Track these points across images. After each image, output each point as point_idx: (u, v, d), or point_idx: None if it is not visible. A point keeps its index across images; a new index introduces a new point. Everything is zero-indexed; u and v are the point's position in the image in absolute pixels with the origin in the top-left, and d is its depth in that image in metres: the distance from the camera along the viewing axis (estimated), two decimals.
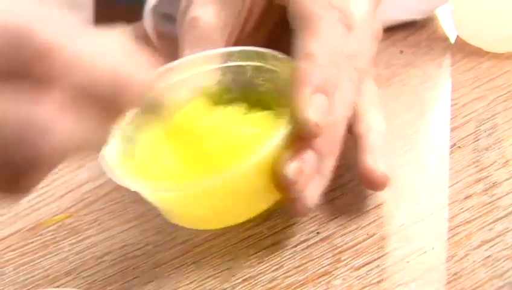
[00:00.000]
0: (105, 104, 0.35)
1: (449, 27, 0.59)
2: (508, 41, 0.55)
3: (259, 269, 0.42)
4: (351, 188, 0.46)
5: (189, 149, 0.43)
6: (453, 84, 0.53)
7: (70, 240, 0.46)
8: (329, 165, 0.44)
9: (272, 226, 0.44)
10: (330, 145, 0.43)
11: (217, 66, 0.45)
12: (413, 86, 0.54)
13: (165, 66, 0.44)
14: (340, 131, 0.44)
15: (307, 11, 0.44)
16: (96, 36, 0.35)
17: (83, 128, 0.34)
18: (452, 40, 0.58)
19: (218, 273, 0.42)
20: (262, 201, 0.43)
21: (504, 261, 0.40)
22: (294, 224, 0.44)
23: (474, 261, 0.41)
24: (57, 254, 0.45)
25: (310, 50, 0.43)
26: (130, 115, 0.44)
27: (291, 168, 0.41)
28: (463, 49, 0.56)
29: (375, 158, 0.44)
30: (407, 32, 0.58)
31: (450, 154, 0.47)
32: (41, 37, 0.33)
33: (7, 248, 0.46)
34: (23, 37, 0.32)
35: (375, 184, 0.44)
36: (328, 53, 0.43)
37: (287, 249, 0.42)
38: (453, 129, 0.49)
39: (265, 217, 0.44)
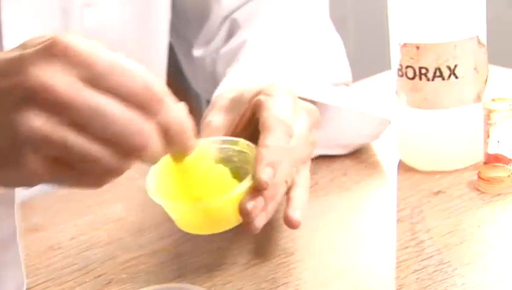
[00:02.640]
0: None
1: (393, 153, 0.77)
2: (432, 164, 0.74)
3: None
4: None
5: (198, 182, 0.59)
6: (397, 187, 0.73)
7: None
8: (272, 207, 0.62)
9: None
10: (273, 196, 0.61)
11: (217, 146, 0.63)
12: (373, 186, 0.74)
13: None
14: (281, 189, 0.62)
15: (267, 123, 0.62)
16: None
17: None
18: (395, 161, 0.76)
19: None
20: (234, 219, 0.60)
21: (426, 280, 0.59)
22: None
23: (410, 279, 0.59)
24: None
25: (265, 143, 0.61)
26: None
27: (249, 204, 0.59)
28: (403, 166, 0.75)
29: (294, 210, 0.62)
30: (368, 155, 0.78)
31: (397, 224, 0.67)
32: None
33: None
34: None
35: (292, 226, 0.62)
36: (276, 146, 0.61)
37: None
38: (398, 211, 0.68)
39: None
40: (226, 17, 0.93)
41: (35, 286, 0.64)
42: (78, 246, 0.69)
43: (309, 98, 0.73)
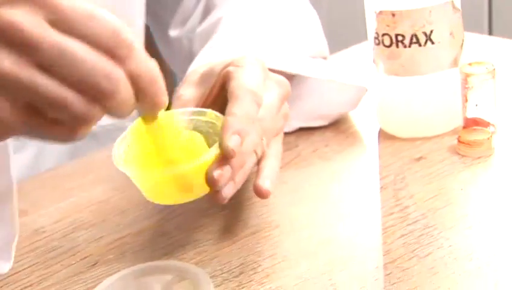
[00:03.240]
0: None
1: (372, 122, 0.77)
2: (412, 131, 0.73)
3: None
4: None
5: (164, 149, 0.58)
6: (379, 155, 0.73)
7: None
8: (240, 177, 0.60)
9: None
10: (241, 165, 0.59)
11: (186, 117, 0.62)
12: (355, 156, 0.74)
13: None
14: (250, 159, 0.61)
15: (235, 92, 0.61)
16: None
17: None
18: (375, 130, 0.76)
19: None
20: (200, 189, 0.59)
21: (413, 244, 0.60)
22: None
23: (396, 244, 0.60)
24: None
25: (232, 111, 0.60)
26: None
27: (216, 172, 0.57)
28: (383, 134, 0.75)
29: (264, 180, 0.61)
30: (348, 125, 0.78)
31: (380, 192, 0.67)
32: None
33: None
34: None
35: (261, 195, 0.61)
36: (243, 114, 0.59)
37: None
38: (381, 179, 0.69)
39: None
40: None
41: (22, 270, 0.64)
42: (62, 229, 0.68)
43: (284, 70, 0.73)
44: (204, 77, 0.68)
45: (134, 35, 0.50)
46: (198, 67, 0.71)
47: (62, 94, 0.47)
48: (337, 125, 0.78)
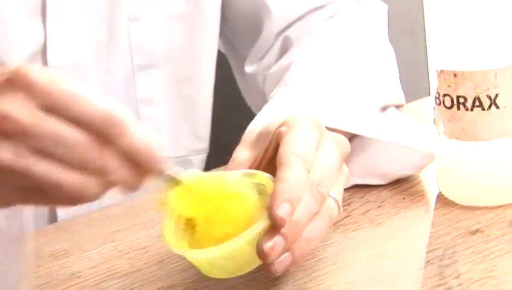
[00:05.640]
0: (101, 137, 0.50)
1: (433, 184, 0.72)
2: (472, 199, 0.68)
3: None
4: None
5: (212, 227, 0.57)
6: (433, 222, 0.68)
7: None
8: (303, 248, 0.56)
9: None
10: (297, 234, 0.56)
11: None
12: (407, 222, 0.69)
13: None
14: (304, 228, 0.57)
15: (283, 159, 0.58)
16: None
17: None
18: (435, 193, 0.71)
19: None
20: (253, 262, 0.57)
21: None
22: None
23: None
24: None
25: (282, 176, 0.57)
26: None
27: (266, 245, 0.55)
28: (442, 199, 0.70)
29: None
30: (407, 185, 0.74)
31: (425, 267, 0.62)
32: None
33: None
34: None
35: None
36: (293, 181, 0.56)
37: None
38: (428, 252, 0.63)
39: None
40: (278, 34, 0.90)
41: None
42: (97, 276, 0.67)
43: (343, 129, 0.69)
44: (260, 137, 0.65)
45: (126, 111, 0.51)
46: (255, 127, 0.69)
47: (56, 177, 0.50)
48: (395, 183, 0.73)
